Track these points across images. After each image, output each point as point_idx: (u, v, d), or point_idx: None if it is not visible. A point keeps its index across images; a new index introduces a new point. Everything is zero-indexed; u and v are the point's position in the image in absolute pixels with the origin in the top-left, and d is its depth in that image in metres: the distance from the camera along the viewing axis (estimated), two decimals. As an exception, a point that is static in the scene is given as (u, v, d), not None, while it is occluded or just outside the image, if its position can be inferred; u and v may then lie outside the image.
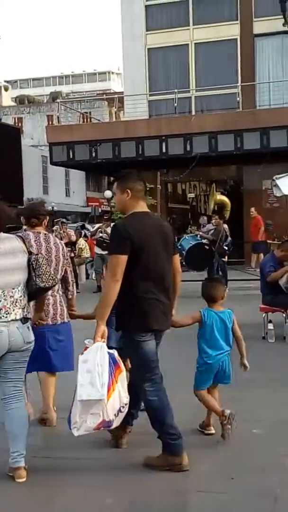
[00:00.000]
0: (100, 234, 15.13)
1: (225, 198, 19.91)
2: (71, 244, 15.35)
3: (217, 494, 3.62)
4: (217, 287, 4.76)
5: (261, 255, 17.94)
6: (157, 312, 3.98)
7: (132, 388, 4.06)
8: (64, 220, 16.96)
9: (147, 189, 17.73)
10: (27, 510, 3.57)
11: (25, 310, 3.96)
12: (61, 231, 15.58)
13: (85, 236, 19.01)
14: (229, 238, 13.95)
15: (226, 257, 13.93)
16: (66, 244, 16.56)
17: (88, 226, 27.78)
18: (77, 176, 47.81)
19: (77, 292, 16.24)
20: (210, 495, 3.62)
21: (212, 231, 13.58)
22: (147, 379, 4.00)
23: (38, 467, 4.16)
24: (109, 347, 3.98)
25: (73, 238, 15.46)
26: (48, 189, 46.61)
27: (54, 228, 14.76)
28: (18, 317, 3.88)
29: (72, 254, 15.32)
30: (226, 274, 14.20)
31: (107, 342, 3.96)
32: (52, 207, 43.39)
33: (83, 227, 16.48)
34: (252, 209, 18.88)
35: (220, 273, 13.83)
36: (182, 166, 20.00)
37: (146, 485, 3.76)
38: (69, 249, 15.24)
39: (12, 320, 3.85)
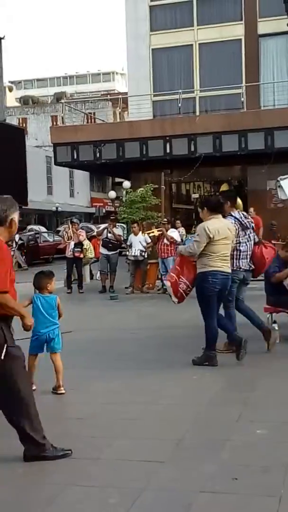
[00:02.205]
0: (108, 235, 15.07)
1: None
2: (80, 245, 15.27)
3: (221, 494, 3.61)
4: (40, 278, 5.96)
5: None
6: None
7: None
8: (74, 220, 16.83)
9: (151, 189, 17.75)
10: (29, 511, 3.56)
11: None
12: (69, 231, 15.46)
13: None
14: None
15: None
16: (76, 245, 16.47)
17: (91, 226, 27.79)
18: (81, 177, 47.88)
19: (81, 292, 16.16)
20: (214, 495, 3.61)
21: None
22: None
23: (40, 467, 4.16)
24: None
25: (82, 238, 15.38)
26: (52, 189, 46.68)
27: (61, 228, 14.68)
28: None
29: (82, 255, 15.26)
30: None
31: None
32: (57, 208, 43.54)
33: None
34: (251, 209, 18.86)
35: None
36: (186, 167, 20.01)
37: (149, 485, 3.75)
38: (79, 249, 15.17)
39: None
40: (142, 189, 17.77)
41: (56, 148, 21.96)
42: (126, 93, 27.00)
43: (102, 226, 17.50)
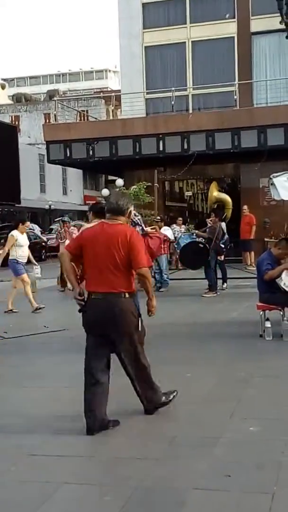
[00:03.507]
0: None
1: (224, 196, 19.86)
2: None
3: (214, 491, 3.62)
4: None
5: (252, 253, 18.01)
6: None
7: None
8: (65, 218, 16.75)
9: (145, 187, 17.79)
10: (24, 509, 3.56)
11: None
12: (62, 230, 15.43)
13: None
14: (226, 236, 13.97)
15: (223, 256, 13.90)
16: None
17: (85, 224, 27.74)
18: (74, 175, 47.79)
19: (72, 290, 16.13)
20: (207, 492, 3.62)
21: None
22: None
23: (34, 465, 4.16)
24: None
25: (75, 236, 15.37)
26: (45, 187, 46.57)
27: (54, 226, 14.61)
28: None
29: None
30: (226, 272, 14.22)
31: None
32: (50, 206, 43.45)
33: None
34: (245, 207, 18.92)
35: (220, 270, 13.89)
36: (179, 164, 20.01)
37: (143, 483, 3.76)
38: None
39: None
40: (135, 187, 17.77)
41: (49, 146, 21.90)
42: (119, 91, 26.97)
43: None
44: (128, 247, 4.66)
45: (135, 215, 8.65)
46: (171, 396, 5.11)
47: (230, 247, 14.88)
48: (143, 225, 8.93)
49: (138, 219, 8.69)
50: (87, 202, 49.69)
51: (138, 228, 8.55)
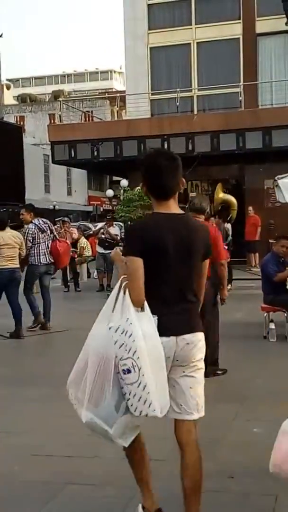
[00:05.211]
0: (103, 236, 15.15)
1: (229, 197, 19.84)
2: (74, 245, 15.27)
3: (217, 493, 3.61)
4: None
5: (257, 254, 17.98)
6: None
7: None
8: (65, 219, 16.86)
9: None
10: (27, 509, 3.56)
11: None
12: (62, 230, 15.52)
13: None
14: (230, 238, 13.96)
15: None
16: (72, 245, 16.62)
17: (89, 224, 27.78)
18: (79, 175, 47.81)
19: (78, 291, 16.32)
20: (210, 494, 3.60)
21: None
22: None
23: (37, 465, 4.15)
24: None
25: (75, 236, 15.42)
26: (50, 188, 46.62)
27: (55, 227, 14.66)
28: None
29: (75, 255, 15.24)
30: (231, 273, 14.20)
31: None
32: (54, 206, 43.47)
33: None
34: (250, 208, 18.90)
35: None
36: (184, 165, 19.73)
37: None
38: (73, 249, 15.19)
39: None
40: (139, 187, 17.75)
41: (54, 146, 21.92)
42: (124, 92, 27.00)
43: (100, 224, 17.51)
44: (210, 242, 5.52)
45: (44, 222, 9.45)
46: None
47: (233, 249, 14.88)
48: (49, 231, 9.47)
49: (45, 226, 9.40)
50: (91, 202, 49.77)
51: (46, 234, 9.26)
